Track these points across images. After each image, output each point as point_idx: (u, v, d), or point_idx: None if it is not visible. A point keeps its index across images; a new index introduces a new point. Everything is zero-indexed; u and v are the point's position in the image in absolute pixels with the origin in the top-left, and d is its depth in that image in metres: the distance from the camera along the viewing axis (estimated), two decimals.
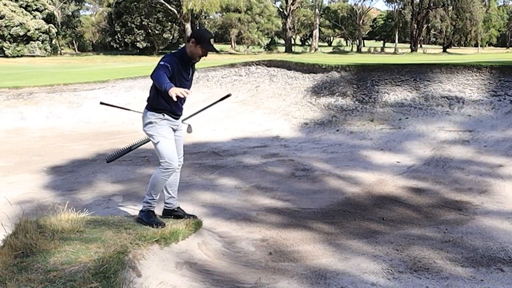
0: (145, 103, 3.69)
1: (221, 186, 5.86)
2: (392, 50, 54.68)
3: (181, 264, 3.24)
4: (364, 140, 8.11)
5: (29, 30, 43.45)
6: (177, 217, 3.88)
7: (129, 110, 4.59)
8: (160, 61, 3.48)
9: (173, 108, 3.64)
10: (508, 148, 6.76)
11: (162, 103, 3.60)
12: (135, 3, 46.87)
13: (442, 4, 50.84)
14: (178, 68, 3.52)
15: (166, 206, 3.94)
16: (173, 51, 3.78)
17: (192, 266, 3.29)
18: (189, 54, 3.58)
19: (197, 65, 3.98)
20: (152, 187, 3.67)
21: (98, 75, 15.71)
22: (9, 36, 43.00)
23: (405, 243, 3.91)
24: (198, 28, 45.61)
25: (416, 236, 4.09)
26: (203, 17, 51.51)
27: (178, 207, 3.97)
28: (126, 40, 48.34)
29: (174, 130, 3.75)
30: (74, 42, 60.65)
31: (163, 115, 3.61)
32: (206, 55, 3.64)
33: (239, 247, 3.94)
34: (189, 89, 3.71)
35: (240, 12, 50.21)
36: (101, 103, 4.88)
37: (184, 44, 3.96)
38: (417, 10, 52.18)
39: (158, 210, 3.92)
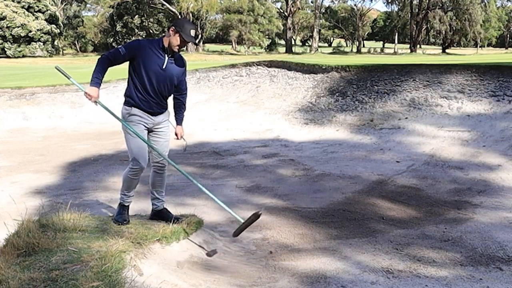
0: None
1: (222, 186, 5.88)
2: (392, 51, 54.69)
3: (182, 263, 3.26)
4: (364, 140, 8.13)
5: (30, 31, 43.55)
6: (162, 219, 3.71)
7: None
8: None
9: (143, 103, 3.39)
10: (507, 148, 6.77)
11: (132, 95, 3.39)
12: (136, 4, 47.02)
13: (441, 5, 50.79)
14: (147, 52, 3.31)
15: (152, 207, 3.82)
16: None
17: (193, 265, 3.31)
18: (166, 42, 3.35)
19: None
20: (122, 184, 3.61)
21: None
22: (10, 37, 43.11)
23: (405, 242, 3.94)
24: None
25: (416, 235, 4.12)
26: (204, 17, 51.50)
27: (165, 209, 3.80)
28: (127, 40, 48.49)
29: (149, 129, 3.51)
30: (76, 42, 60.73)
31: (131, 108, 3.39)
32: (183, 46, 3.38)
33: (240, 246, 3.96)
34: (169, 84, 3.44)
35: (241, 13, 50.25)
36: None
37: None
38: (416, 11, 52.14)
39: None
